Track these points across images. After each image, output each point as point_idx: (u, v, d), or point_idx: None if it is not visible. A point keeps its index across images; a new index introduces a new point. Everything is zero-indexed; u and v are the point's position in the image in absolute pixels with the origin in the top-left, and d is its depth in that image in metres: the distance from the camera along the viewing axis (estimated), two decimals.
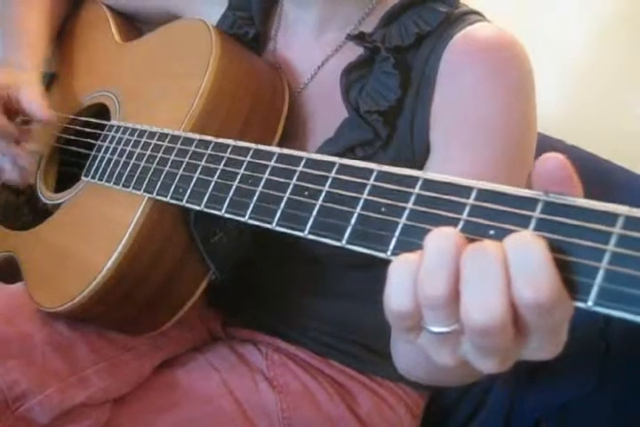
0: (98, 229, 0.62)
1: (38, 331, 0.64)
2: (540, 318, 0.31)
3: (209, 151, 0.54)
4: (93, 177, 0.66)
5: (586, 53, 1.10)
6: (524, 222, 0.33)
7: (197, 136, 0.56)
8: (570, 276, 0.31)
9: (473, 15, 0.63)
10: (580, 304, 0.30)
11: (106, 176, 0.64)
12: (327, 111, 0.66)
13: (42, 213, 0.72)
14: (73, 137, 0.77)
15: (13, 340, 0.62)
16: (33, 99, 0.73)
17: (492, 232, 0.34)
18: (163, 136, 0.59)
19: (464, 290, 0.32)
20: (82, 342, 0.66)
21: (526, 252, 0.31)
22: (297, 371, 0.75)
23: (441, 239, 0.33)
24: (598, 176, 0.76)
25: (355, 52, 0.63)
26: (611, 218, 0.31)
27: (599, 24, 1.08)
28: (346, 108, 0.63)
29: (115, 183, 0.62)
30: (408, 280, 0.33)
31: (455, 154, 0.58)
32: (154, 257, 0.59)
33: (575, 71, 1.12)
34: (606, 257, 0.30)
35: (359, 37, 0.62)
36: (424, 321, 0.34)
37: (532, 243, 0.31)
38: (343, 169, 0.42)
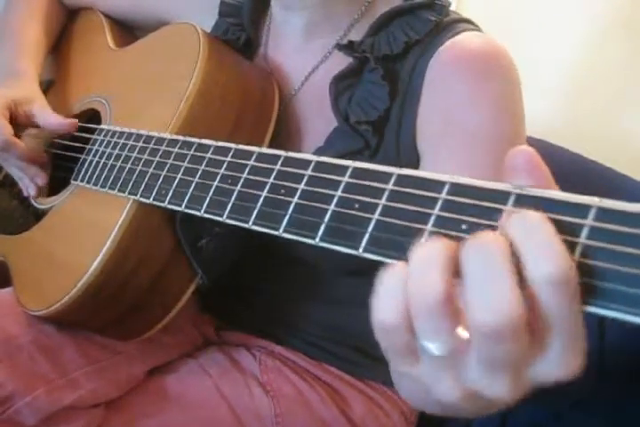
0: (84, 233, 0.62)
1: (25, 333, 0.64)
2: (557, 298, 0.27)
3: (192, 152, 0.53)
4: (82, 180, 0.66)
5: (583, 55, 1.09)
6: (496, 216, 0.32)
7: (182, 138, 0.56)
8: None
9: (462, 24, 0.62)
10: None
11: (93, 179, 0.64)
12: (317, 118, 0.66)
13: (34, 217, 0.72)
14: (66, 142, 0.77)
15: None
16: (48, 113, 0.74)
17: (464, 227, 0.33)
18: (148, 139, 0.59)
19: (468, 290, 0.28)
20: (70, 345, 0.66)
21: (533, 230, 0.28)
22: (290, 376, 0.74)
23: (428, 245, 0.30)
24: (598, 182, 0.75)
25: (345, 57, 0.63)
26: (583, 210, 0.30)
27: (596, 26, 1.07)
28: (335, 117, 0.63)
29: (101, 186, 0.62)
30: (397, 287, 0.30)
31: (446, 163, 0.58)
32: (139, 261, 0.59)
33: (572, 74, 1.11)
34: (578, 250, 0.29)
35: (348, 47, 0.62)
36: (420, 340, 0.29)
37: (536, 220, 0.29)
38: (319, 167, 0.42)
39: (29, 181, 0.74)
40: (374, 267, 0.41)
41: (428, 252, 0.30)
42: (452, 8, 0.66)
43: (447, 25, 0.61)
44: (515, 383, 0.29)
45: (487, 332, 0.27)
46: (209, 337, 0.82)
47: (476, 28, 0.63)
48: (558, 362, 0.28)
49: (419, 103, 0.60)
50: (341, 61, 0.63)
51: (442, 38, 0.60)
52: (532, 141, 0.59)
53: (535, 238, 0.28)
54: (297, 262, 0.69)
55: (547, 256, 0.27)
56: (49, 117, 0.73)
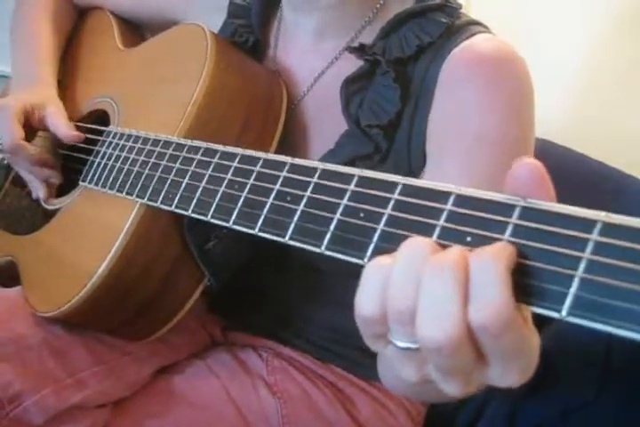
0: (92, 235, 0.62)
1: (34, 333, 0.65)
2: (491, 342, 0.30)
3: (199, 157, 0.54)
4: (90, 182, 0.66)
5: (589, 56, 1.09)
6: (500, 229, 0.32)
7: (189, 142, 0.56)
8: (543, 284, 0.30)
9: (474, 26, 0.62)
10: (554, 314, 0.29)
11: (101, 181, 0.64)
12: (327, 120, 0.66)
13: (43, 217, 0.73)
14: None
15: (8, 342, 0.63)
16: (59, 122, 0.74)
17: (468, 239, 0.33)
18: (156, 142, 0.59)
19: (420, 305, 0.31)
20: (79, 345, 0.67)
21: (484, 272, 0.30)
22: (297, 376, 0.74)
23: (413, 250, 0.32)
24: (603, 183, 0.74)
25: (354, 60, 0.63)
26: (588, 224, 0.30)
27: (602, 26, 1.07)
28: (346, 120, 0.62)
29: (109, 188, 0.62)
30: (378, 286, 0.32)
31: (449, 167, 0.57)
32: (147, 263, 0.59)
33: (578, 75, 1.10)
34: (582, 265, 0.29)
35: (360, 50, 0.62)
36: (390, 334, 0.33)
37: (491, 262, 0.30)
38: (325, 174, 0.42)
39: (39, 184, 0.75)
40: None
41: (411, 261, 0.32)
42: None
43: (459, 28, 0.61)
44: (465, 385, 0.33)
45: (431, 346, 0.30)
46: (216, 338, 0.82)
47: (488, 31, 0.63)
48: (501, 376, 0.32)
49: (430, 107, 0.60)
50: (351, 64, 0.63)
51: (454, 41, 0.60)
52: (537, 142, 0.59)
53: (482, 278, 0.30)
54: (303, 265, 0.69)
55: (486, 303, 0.29)
56: (59, 128, 0.74)
